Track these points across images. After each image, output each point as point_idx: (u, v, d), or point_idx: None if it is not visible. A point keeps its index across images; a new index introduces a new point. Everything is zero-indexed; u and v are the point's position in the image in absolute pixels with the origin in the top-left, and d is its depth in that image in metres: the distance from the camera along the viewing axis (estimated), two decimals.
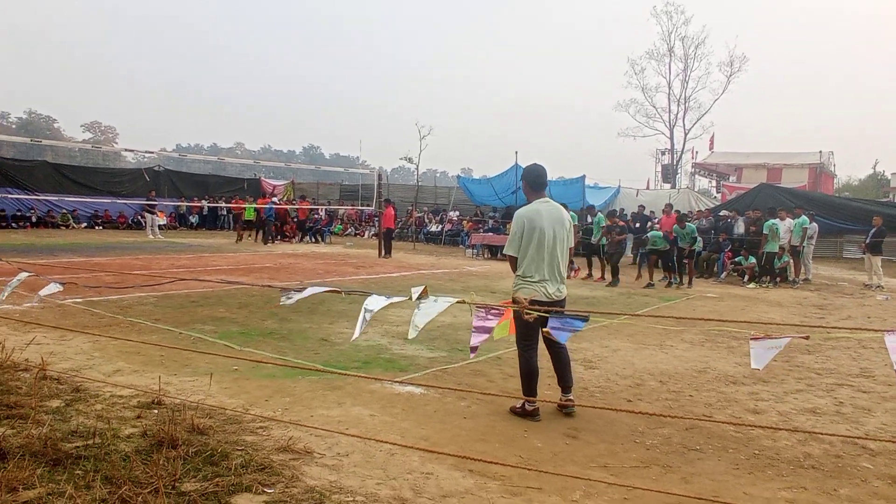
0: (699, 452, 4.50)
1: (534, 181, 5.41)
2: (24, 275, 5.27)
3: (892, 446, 4.72)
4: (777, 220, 16.42)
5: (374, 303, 3.75)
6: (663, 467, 4.21)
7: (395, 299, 3.81)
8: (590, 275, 16.70)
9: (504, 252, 5.32)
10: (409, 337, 3.79)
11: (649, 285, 15.25)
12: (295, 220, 28.03)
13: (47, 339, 6.80)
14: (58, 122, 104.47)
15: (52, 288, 5.15)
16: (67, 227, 28.40)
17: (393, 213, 21.71)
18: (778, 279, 16.40)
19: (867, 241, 16.70)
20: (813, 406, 5.73)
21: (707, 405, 5.65)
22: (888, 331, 2.69)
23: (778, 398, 5.92)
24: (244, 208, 26.10)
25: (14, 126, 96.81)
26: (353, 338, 3.80)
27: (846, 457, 4.52)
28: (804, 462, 4.39)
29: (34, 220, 28.06)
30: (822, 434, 4.86)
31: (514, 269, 5.27)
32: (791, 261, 16.76)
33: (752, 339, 3.18)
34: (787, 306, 12.50)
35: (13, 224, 27.24)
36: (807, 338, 3.03)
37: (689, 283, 15.67)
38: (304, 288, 3.97)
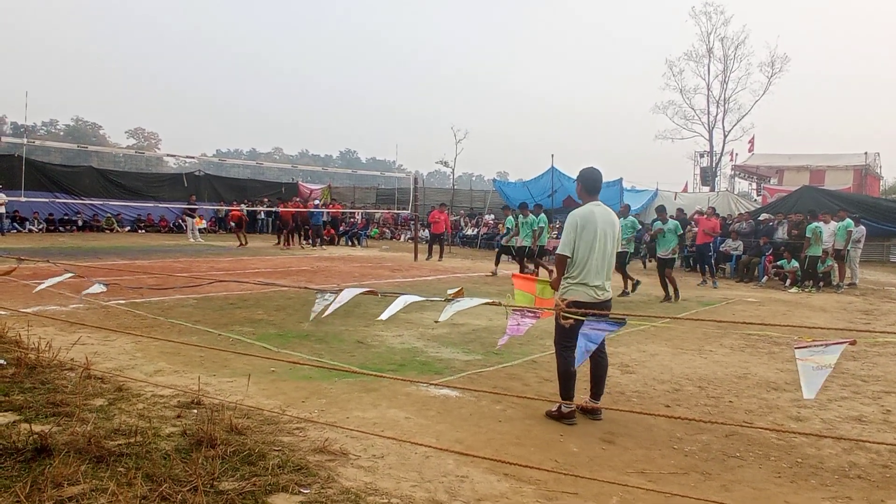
0: (739, 460, 4.40)
1: (590, 185, 5.41)
2: (67, 274, 5.41)
3: None
4: (821, 223, 16.02)
5: (407, 300, 3.74)
6: (702, 474, 4.13)
7: (432, 298, 3.80)
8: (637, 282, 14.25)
9: (558, 252, 5.27)
10: (440, 319, 3.78)
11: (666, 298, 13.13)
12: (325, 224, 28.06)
13: (92, 339, 6.96)
14: (103, 129, 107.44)
15: (97, 288, 5.27)
16: (112, 230, 29.08)
17: (444, 217, 21.64)
18: (822, 283, 15.99)
19: None
20: (859, 414, 5.56)
21: (748, 411, 5.53)
22: None
23: (822, 405, 5.76)
24: (292, 212, 25.96)
25: (62, 133, 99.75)
26: (383, 316, 3.76)
27: (894, 467, 4.37)
28: (849, 471, 4.26)
29: (80, 223, 28.81)
30: (868, 442, 4.71)
31: (563, 269, 5.23)
32: (835, 265, 16.32)
33: (796, 347, 3.07)
34: (832, 311, 12.17)
35: (60, 228, 28.02)
36: (853, 343, 2.91)
37: (675, 295, 13.10)
38: (341, 290, 3.98)
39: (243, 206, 27.10)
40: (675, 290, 13.11)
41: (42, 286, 5.58)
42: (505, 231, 18.87)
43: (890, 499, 3.85)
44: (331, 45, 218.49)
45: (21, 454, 3.74)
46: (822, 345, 3.01)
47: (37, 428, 4.08)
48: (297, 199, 32.03)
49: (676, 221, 13.88)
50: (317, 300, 4.06)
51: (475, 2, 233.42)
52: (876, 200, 26.91)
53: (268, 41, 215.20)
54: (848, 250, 16.59)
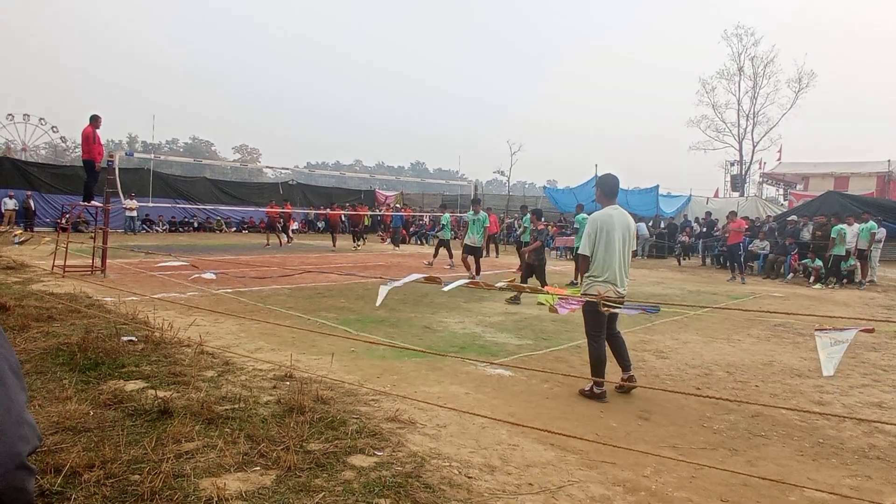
0: (764, 438, 4.24)
1: (608, 189, 5.32)
2: (209, 274, 5.63)
3: None
4: (845, 225, 15.27)
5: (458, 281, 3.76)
6: (730, 450, 4.00)
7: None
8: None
9: (579, 252, 5.20)
10: (498, 285, 3.81)
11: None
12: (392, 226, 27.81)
13: (204, 321, 7.23)
14: (214, 146, 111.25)
15: (208, 275, 5.49)
16: (221, 231, 30.12)
17: (494, 219, 21.49)
18: (844, 280, 15.21)
19: None
20: (879, 400, 5.27)
21: (772, 395, 5.31)
22: None
23: (843, 392, 5.49)
24: (363, 216, 25.91)
25: (181, 149, 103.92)
26: (445, 288, 3.79)
27: None
28: (869, 452, 4.05)
29: (196, 225, 29.97)
30: (888, 424, 4.46)
31: (584, 268, 5.16)
32: (857, 264, 15.49)
33: (817, 330, 2.96)
34: (853, 306, 11.56)
35: (180, 228, 29.22)
36: (872, 330, 2.78)
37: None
38: (403, 279, 4.03)
39: (280, 208, 24.40)
40: (478, 271, 12.80)
41: (163, 264, 5.79)
42: (441, 227, 17.10)
43: None
44: (406, 77, 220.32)
45: (148, 415, 3.94)
46: (839, 329, 2.89)
47: (161, 394, 4.29)
48: (349, 203, 30.98)
49: (486, 214, 13.37)
50: (381, 288, 4.13)
51: (530, 51, 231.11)
52: None
53: (355, 58, 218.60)
54: (870, 250, 15.74)
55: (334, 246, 21.80)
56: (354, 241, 24.09)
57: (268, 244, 21.69)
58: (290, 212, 24.04)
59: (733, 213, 17.04)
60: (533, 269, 10.54)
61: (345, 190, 39.31)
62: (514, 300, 9.89)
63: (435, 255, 17.27)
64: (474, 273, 12.67)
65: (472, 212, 13.32)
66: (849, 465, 3.83)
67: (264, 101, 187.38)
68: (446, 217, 16.94)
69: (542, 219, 12.68)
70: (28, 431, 0.83)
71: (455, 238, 31.75)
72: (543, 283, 10.58)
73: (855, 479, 3.62)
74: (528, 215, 16.69)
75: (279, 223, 23.28)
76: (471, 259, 13.01)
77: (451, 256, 16.71)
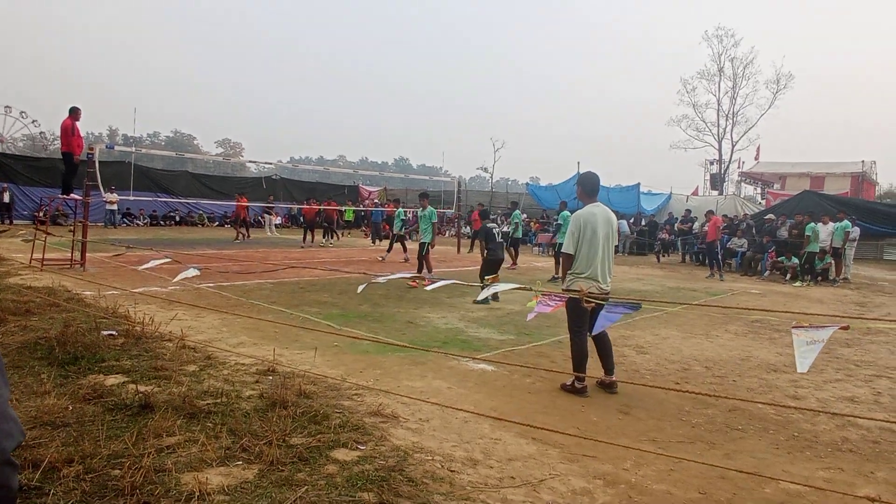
0: (741, 432, 4.30)
1: (589, 188, 5.34)
2: (193, 271, 5.55)
3: None
4: (819, 224, 15.58)
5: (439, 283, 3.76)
6: (707, 444, 4.04)
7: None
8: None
9: (563, 250, 5.19)
10: (478, 300, 3.82)
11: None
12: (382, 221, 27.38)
13: (186, 315, 7.14)
14: (196, 139, 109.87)
15: (191, 272, 5.42)
16: (203, 225, 29.82)
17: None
18: (819, 278, 15.46)
19: None
20: (851, 395, 5.37)
21: (749, 390, 5.38)
22: None
23: (817, 386, 5.58)
24: (340, 210, 24.95)
25: (163, 143, 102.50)
26: (428, 288, 3.81)
27: (883, 443, 4.21)
28: (842, 445, 4.12)
29: (178, 219, 29.63)
30: (860, 418, 4.54)
31: (567, 266, 5.15)
32: (832, 262, 15.76)
33: (794, 328, 3.00)
34: (828, 303, 11.75)
35: (161, 222, 28.85)
36: (847, 328, 2.82)
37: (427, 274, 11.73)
38: (392, 275, 4.01)
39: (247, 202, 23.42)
40: (429, 269, 12.06)
41: (146, 265, 5.74)
42: (398, 224, 16.89)
43: (879, 471, 3.71)
44: (393, 64, 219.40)
45: (129, 409, 3.89)
46: (816, 327, 2.93)
47: (142, 388, 4.23)
48: (324, 199, 28.12)
49: (433, 209, 12.53)
50: (369, 279, 4.11)
51: (513, 54, 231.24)
52: (871, 204, 25.85)
53: (340, 62, 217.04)
54: (844, 249, 16.03)
55: (303, 243, 20.59)
56: (324, 237, 22.41)
57: (237, 238, 21.49)
58: (245, 205, 22.56)
59: (711, 212, 17.25)
60: (492, 266, 10.47)
61: (328, 185, 39.19)
62: (485, 301, 9.18)
63: (388, 250, 17.37)
64: (426, 270, 11.99)
65: (420, 207, 12.78)
66: (822, 457, 3.90)
67: (248, 99, 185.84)
68: (400, 212, 16.97)
69: (489, 217, 12.06)
70: (12, 427, 0.82)
71: (438, 233, 31.75)
72: (482, 277, 10.53)
73: (828, 471, 3.68)
74: (518, 211, 16.68)
75: (247, 218, 22.88)
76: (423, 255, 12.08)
77: (405, 251, 16.79)
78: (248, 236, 22.25)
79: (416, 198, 14.74)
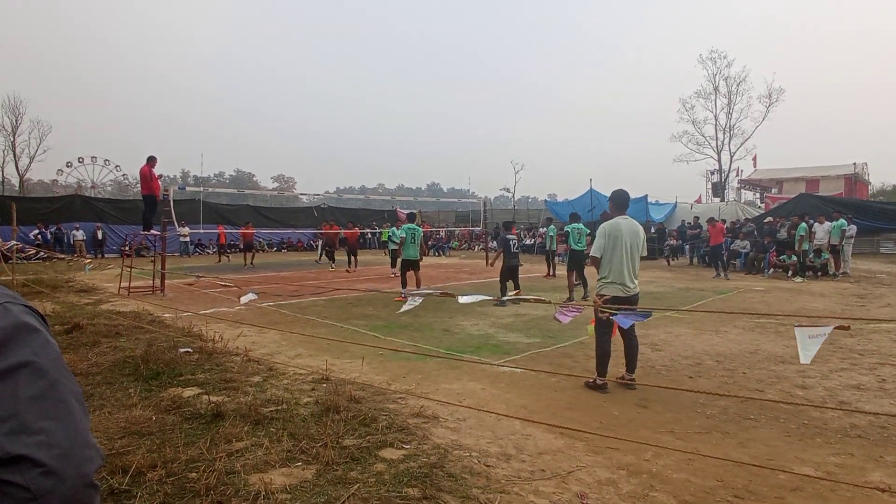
0: (754, 421, 4.13)
1: (619, 203, 5.33)
2: (251, 295, 5.65)
3: None
4: (815, 223, 15.16)
5: (465, 299, 3.73)
6: (722, 433, 3.90)
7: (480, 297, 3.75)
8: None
9: (591, 254, 5.20)
10: (496, 300, 3.78)
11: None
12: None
13: (251, 332, 7.25)
14: (256, 176, 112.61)
15: (250, 297, 5.51)
16: (263, 251, 30.40)
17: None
18: (819, 273, 14.92)
19: None
20: (857, 383, 5.13)
21: (759, 381, 5.19)
22: None
23: (824, 375, 5.35)
24: (333, 233, 20.21)
25: (227, 180, 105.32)
26: (461, 300, 3.76)
27: (891, 427, 4.00)
28: (851, 432, 3.93)
29: (241, 246, 30.26)
30: (867, 412, 4.33)
31: (598, 268, 5.15)
32: (831, 258, 15.20)
33: (797, 326, 2.88)
34: (829, 296, 11.30)
35: (228, 250, 29.53)
36: (847, 328, 2.70)
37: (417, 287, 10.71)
38: (428, 292, 4.00)
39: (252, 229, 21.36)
40: (403, 285, 10.91)
41: (243, 299, 5.72)
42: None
43: (888, 455, 3.52)
44: (418, 104, 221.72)
45: (203, 418, 3.95)
46: (819, 326, 2.81)
47: (213, 398, 4.29)
48: (332, 222, 25.04)
49: (410, 226, 11.08)
50: (408, 300, 4.11)
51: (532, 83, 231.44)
52: (865, 202, 24.91)
53: (374, 98, 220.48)
54: (842, 245, 15.46)
55: (320, 261, 19.00)
56: (320, 258, 19.98)
57: (245, 264, 19.33)
58: (251, 232, 20.64)
59: (713, 219, 16.85)
60: (510, 272, 10.57)
61: (370, 210, 39.54)
62: (500, 303, 8.75)
63: (393, 266, 16.08)
64: (414, 286, 10.85)
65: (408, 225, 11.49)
66: (832, 443, 3.72)
67: (297, 136, 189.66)
68: (393, 230, 16.16)
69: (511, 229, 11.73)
70: (93, 452, 0.85)
71: (468, 248, 31.74)
72: (517, 287, 10.64)
73: (839, 456, 3.51)
74: (552, 226, 16.57)
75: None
76: (410, 272, 11.05)
77: (392, 266, 15.78)
78: (355, 265, 18.33)
79: (451, 218, 14.56)
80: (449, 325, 7.98)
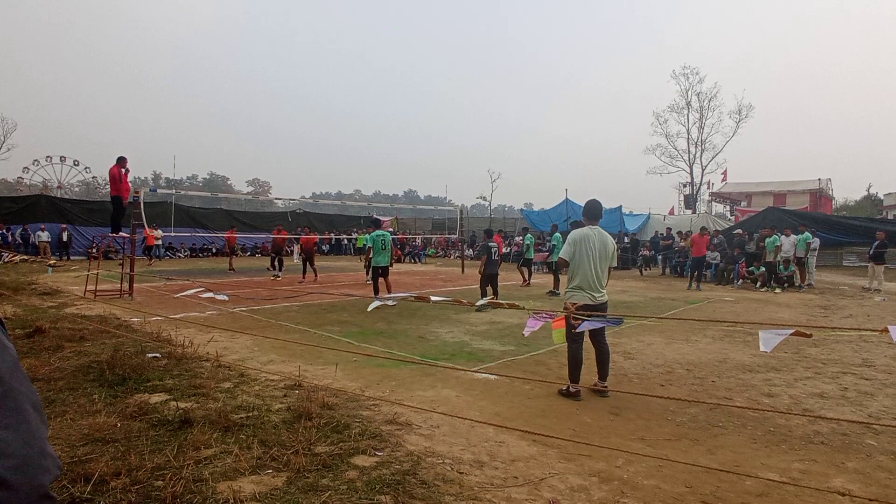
0: (722, 429, 4.21)
1: (590, 213, 5.40)
2: (222, 296, 5.56)
3: (894, 426, 4.26)
4: (781, 236, 15.58)
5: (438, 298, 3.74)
6: (691, 440, 3.96)
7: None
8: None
9: (560, 256, 5.28)
10: (476, 305, 3.79)
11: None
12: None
13: (221, 337, 7.12)
14: (230, 180, 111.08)
15: (222, 297, 5.42)
16: (237, 255, 29.92)
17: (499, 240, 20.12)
18: (786, 285, 15.34)
19: (871, 252, 15.41)
20: (820, 391, 5.27)
21: (727, 389, 5.30)
22: (890, 327, 2.44)
23: (789, 384, 5.49)
24: (279, 238, 17.73)
25: (200, 183, 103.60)
26: (434, 299, 3.78)
27: (852, 434, 4.12)
28: (814, 438, 4.03)
29: (214, 250, 29.77)
30: (829, 419, 4.45)
31: (564, 267, 5.25)
32: (797, 270, 15.64)
33: (761, 330, 2.96)
34: (795, 307, 11.62)
35: (200, 254, 29.01)
36: (810, 335, 2.78)
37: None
38: (402, 295, 3.99)
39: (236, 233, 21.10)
40: (375, 291, 10.86)
41: (184, 293, 5.72)
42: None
43: (849, 461, 3.62)
44: (399, 111, 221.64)
45: (171, 424, 3.85)
46: (781, 329, 2.90)
47: (182, 405, 4.20)
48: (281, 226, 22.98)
49: (379, 233, 11.18)
50: (375, 300, 4.09)
51: (510, 94, 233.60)
52: (829, 217, 25.73)
53: (359, 111, 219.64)
54: (807, 258, 15.94)
55: (271, 269, 17.74)
56: (271, 267, 18.48)
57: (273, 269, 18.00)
58: (234, 236, 20.50)
59: (704, 229, 17.13)
60: (489, 279, 10.90)
61: (346, 217, 39.39)
62: (479, 308, 8.61)
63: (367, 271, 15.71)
64: (385, 293, 10.45)
65: (369, 233, 11.59)
66: (797, 450, 3.81)
67: (274, 139, 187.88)
68: (366, 237, 15.48)
69: (492, 237, 11.70)
70: (49, 463, 0.82)
71: (445, 256, 31.77)
72: (495, 293, 11.07)
73: (803, 462, 3.60)
74: (529, 234, 16.70)
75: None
76: (381, 279, 11.00)
77: (367, 273, 15.63)
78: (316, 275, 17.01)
79: (428, 225, 14.61)
80: (424, 333, 7.95)
